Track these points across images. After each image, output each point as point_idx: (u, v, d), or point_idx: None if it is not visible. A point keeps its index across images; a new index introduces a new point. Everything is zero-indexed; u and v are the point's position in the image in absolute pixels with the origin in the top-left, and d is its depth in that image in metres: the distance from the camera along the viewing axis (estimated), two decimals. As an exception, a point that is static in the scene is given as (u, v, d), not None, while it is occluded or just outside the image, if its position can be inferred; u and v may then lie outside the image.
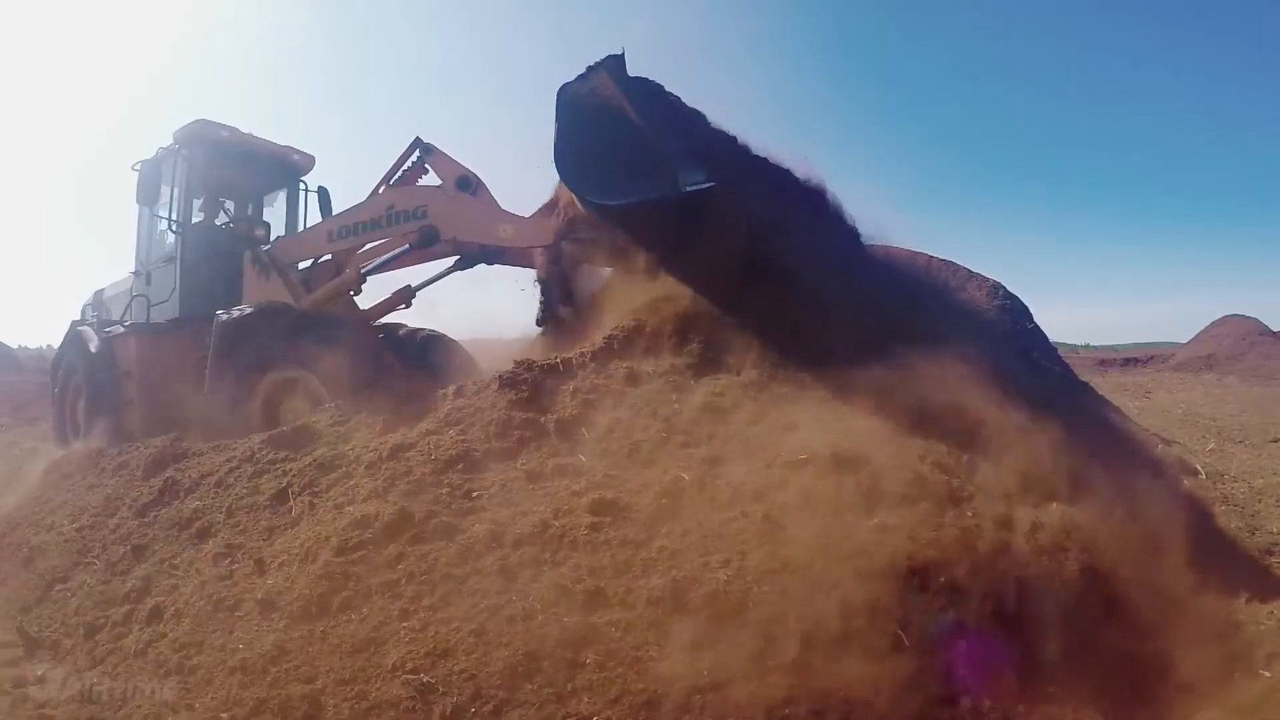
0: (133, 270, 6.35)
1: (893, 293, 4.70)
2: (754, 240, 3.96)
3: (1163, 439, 5.84)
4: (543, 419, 3.40)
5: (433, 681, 2.17)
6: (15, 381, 14.04)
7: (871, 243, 5.38)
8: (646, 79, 4.13)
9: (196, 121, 5.97)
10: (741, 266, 3.96)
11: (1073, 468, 3.13)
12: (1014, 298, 6.18)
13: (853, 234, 5.04)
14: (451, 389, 3.89)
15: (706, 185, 3.58)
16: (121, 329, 6.07)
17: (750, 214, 3.97)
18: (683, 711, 1.98)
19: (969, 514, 2.65)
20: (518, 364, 3.78)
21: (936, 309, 5.19)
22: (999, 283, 6.19)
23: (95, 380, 5.74)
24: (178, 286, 5.90)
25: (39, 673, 2.85)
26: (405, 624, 2.45)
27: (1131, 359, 18.15)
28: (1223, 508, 4.47)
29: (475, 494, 3.03)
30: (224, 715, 2.34)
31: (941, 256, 6.34)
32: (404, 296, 6.07)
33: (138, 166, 5.96)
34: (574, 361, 3.76)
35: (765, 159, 4.66)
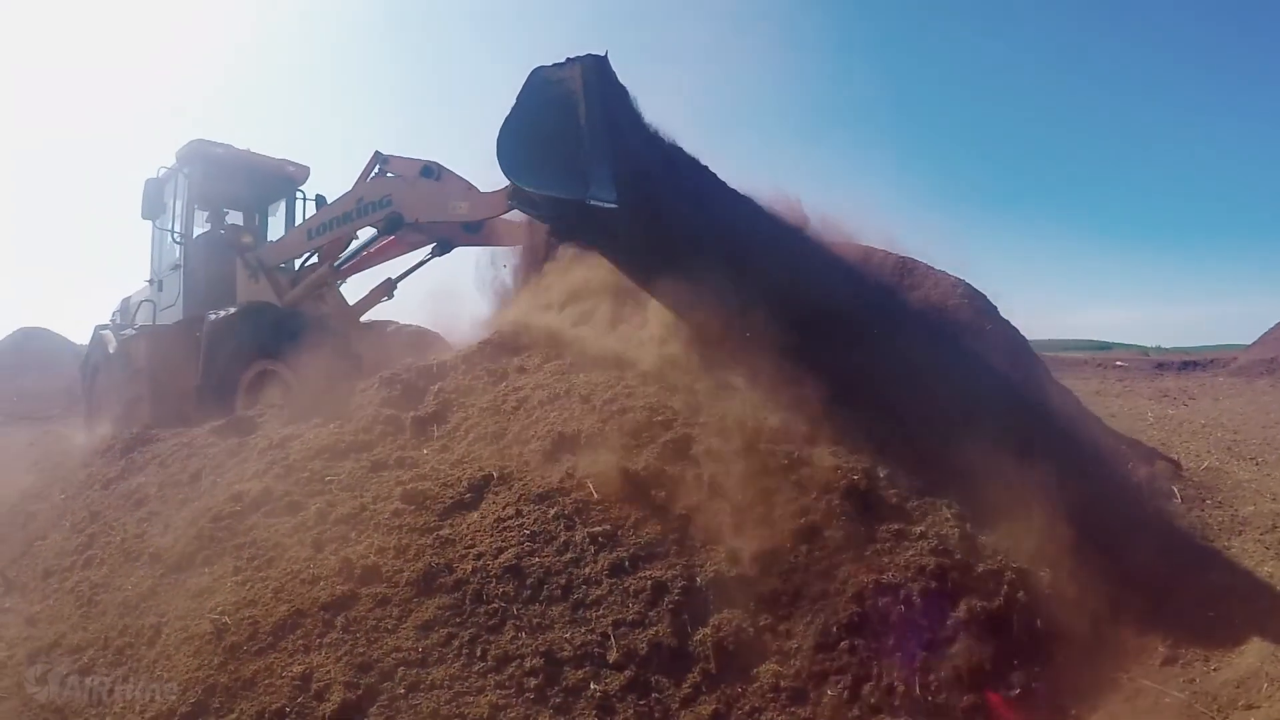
0: (147, 279, 7.85)
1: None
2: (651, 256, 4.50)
3: (1150, 453, 5.71)
4: (403, 416, 4.17)
5: (229, 623, 3.00)
6: (78, 377, 16.63)
7: (828, 241, 5.76)
8: (613, 90, 4.51)
9: (194, 141, 7.33)
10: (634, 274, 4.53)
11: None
12: (978, 295, 6.24)
13: (792, 238, 5.43)
14: (360, 386, 4.77)
15: (610, 205, 4.15)
16: (133, 331, 7.57)
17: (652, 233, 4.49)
18: (385, 679, 2.62)
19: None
20: (401, 366, 4.60)
21: (879, 311, 5.44)
22: (960, 280, 6.27)
23: (113, 377, 7.24)
24: (181, 291, 7.28)
25: (6, 605, 4.01)
26: (235, 578, 3.31)
27: (1190, 362, 16.59)
28: (1189, 538, 4.39)
29: (328, 479, 3.85)
30: (104, 637, 3.31)
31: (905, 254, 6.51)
32: (386, 289, 7.18)
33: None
34: (447, 364, 4.51)
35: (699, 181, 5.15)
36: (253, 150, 7.76)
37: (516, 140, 4.44)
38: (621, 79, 4.60)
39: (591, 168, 4.17)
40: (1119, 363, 16.39)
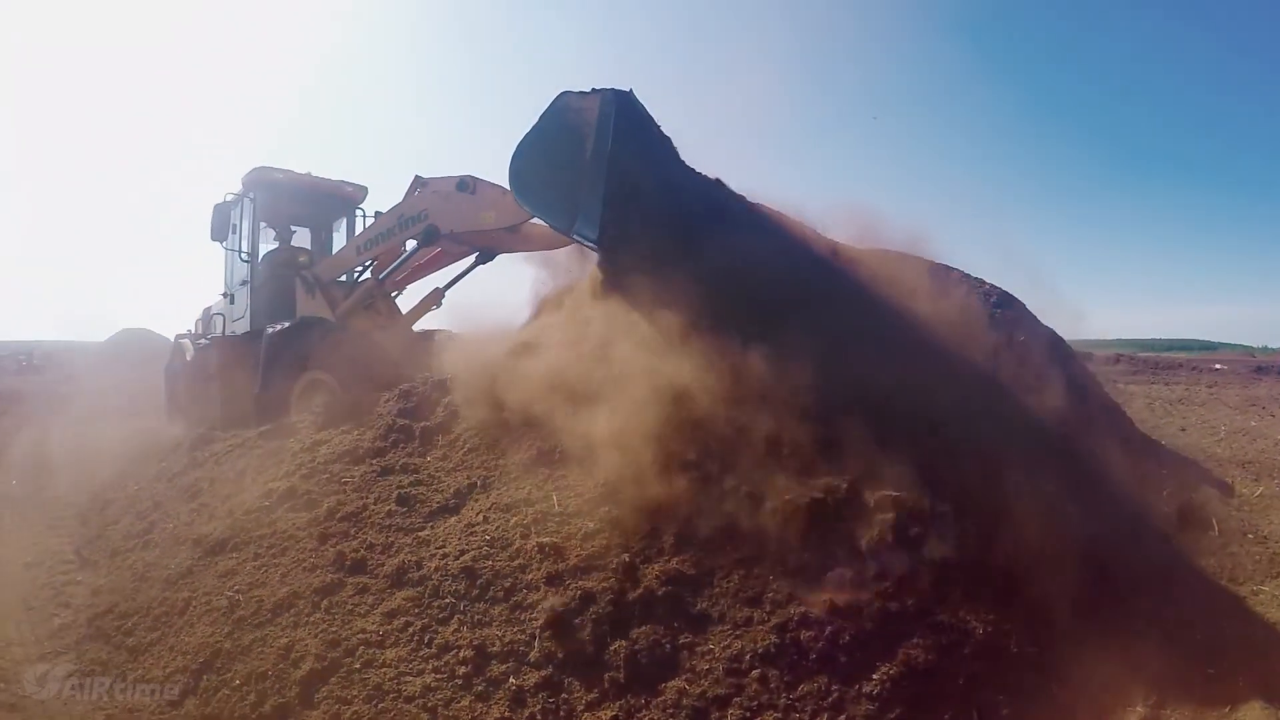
0: (222, 292, 8.98)
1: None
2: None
3: (1201, 476, 5.43)
4: (414, 425, 4.74)
5: (239, 599, 3.63)
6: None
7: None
8: (634, 130, 4.65)
9: (256, 168, 8.36)
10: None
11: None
12: (1011, 302, 6.18)
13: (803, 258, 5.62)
14: (384, 396, 5.41)
15: (590, 243, 4.56)
16: (206, 341, 8.70)
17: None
18: (348, 654, 3.12)
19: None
20: (419, 379, 5.19)
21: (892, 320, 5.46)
22: (995, 288, 6.23)
23: (189, 382, 8.35)
24: (249, 305, 8.31)
25: (79, 578, 4.87)
26: (254, 563, 3.95)
27: (1293, 365, 15.06)
28: (1210, 580, 4.20)
29: (344, 480, 4.46)
30: (147, 606, 4.03)
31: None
32: (434, 299, 7.97)
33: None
34: (459, 378, 5.05)
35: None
36: (312, 173, 8.75)
37: (526, 159, 4.87)
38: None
39: (584, 202, 4.46)
40: (1217, 365, 15.31)
